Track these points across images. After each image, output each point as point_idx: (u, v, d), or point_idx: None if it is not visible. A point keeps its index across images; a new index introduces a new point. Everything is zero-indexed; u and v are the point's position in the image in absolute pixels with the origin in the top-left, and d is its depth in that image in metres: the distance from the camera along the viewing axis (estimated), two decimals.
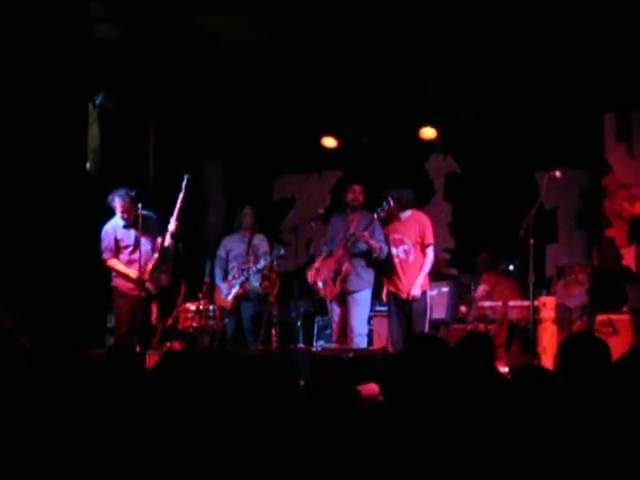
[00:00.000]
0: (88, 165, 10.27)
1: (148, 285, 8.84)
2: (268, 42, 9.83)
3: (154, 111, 11.05)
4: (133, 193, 8.92)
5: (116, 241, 8.99)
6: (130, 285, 8.88)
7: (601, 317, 8.98)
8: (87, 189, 9.93)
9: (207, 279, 9.85)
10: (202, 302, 9.47)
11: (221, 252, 9.91)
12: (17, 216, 9.62)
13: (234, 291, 9.57)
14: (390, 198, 8.75)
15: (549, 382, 3.62)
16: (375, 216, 8.81)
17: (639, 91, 9.85)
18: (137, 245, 8.82)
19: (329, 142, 11.79)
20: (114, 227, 9.02)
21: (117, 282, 8.99)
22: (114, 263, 8.99)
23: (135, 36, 9.65)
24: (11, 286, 9.04)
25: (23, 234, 9.63)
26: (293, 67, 10.29)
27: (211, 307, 9.47)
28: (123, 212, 8.89)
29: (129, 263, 8.94)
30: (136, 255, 8.83)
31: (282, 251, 9.45)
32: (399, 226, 9.04)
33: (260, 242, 9.81)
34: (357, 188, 9.17)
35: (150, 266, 8.86)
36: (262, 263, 9.42)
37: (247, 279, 9.52)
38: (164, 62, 10.16)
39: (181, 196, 8.89)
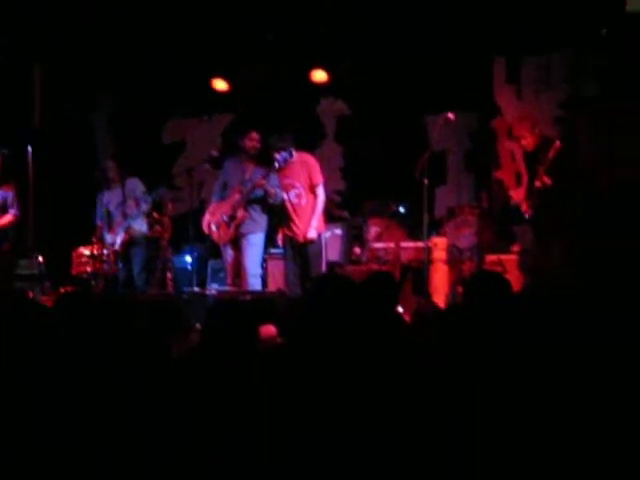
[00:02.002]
0: None
1: None
2: None
3: (40, 50, 10.77)
4: (5, 151, 8.88)
5: None
6: None
7: (491, 257, 9.18)
8: None
9: (99, 223, 9.74)
10: (96, 247, 9.37)
11: (100, 210, 9.84)
12: None
13: (119, 239, 9.50)
14: (291, 151, 8.79)
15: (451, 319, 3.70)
16: (276, 166, 8.82)
17: (528, 34, 10.00)
18: None
19: (220, 85, 11.68)
20: None
21: None
22: None
23: None
24: None
25: None
26: (185, 7, 10.15)
27: (105, 251, 9.38)
28: None
29: None
30: None
31: (161, 191, 9.41)
32: (287, 171, 9.03)
33: (134, 185, 9.71)
34: (255, 135, 9.13)
35: None
36: (144, 206, 9.39)
37: (129, 225, 9.46)
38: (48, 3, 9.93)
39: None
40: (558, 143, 8.22)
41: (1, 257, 9.03)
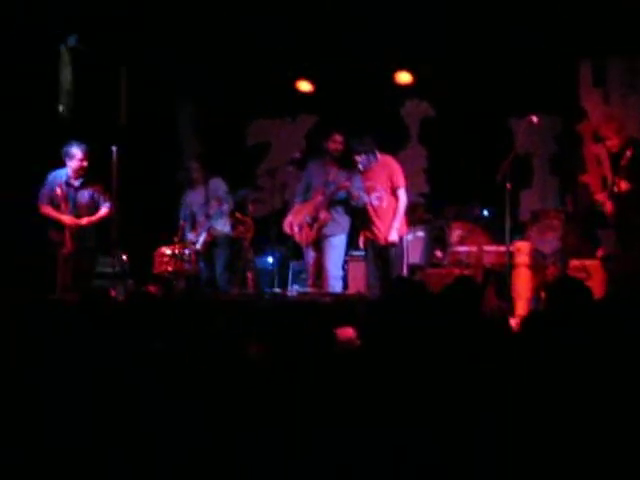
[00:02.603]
0: (60, 108, 10.15)
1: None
2: None
3: (126, 54, 10.91)
4: (87, 148, 9.03)
5: (52, 192, 9.14)
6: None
7: (574, 262, 9.03)
8: (59, 132, 9.82)
9: (182, 223, 9.81)
10: (177, 246, 9.43)
11: (184, 210, 9.91)
12: None
13: (201, 239, 9.54)
14: (376, 152, 8.77)
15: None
16: (360, 168, 8.80)
17: (615, 37, 9.84)
18: (71, 202, 9.10)
19: (304, 86, 11.70)
20: (56, 177, 9.20)
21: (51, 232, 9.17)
22: (44, 209, 9.16)
23: None
24: None
25: None
26: (268, 9, 10.18)
27: (186, 251, 9.43)
28: (81, 160, 9.07)
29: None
30: (67, 211, 9.09)
31: (243, 192, 9.42)
32: (369, 173, 9.00)
33: (216, 185, 9.74)
34: (339, 137, 9.12)
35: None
36: (226, 206, 9.42)
37: (212, 225, 9.49)
38: (135, 3, 10.04)
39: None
40: (630, 151, 8.13)
41: (84, 254, 9.14)
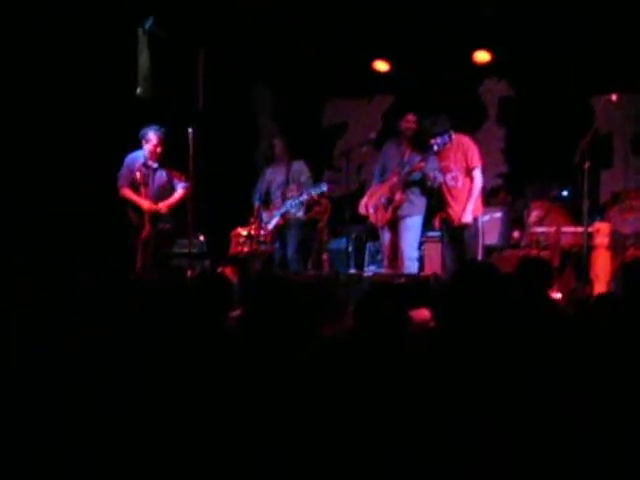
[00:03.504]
0: (139, 90, 10.25)
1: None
2: None
3: (203, 36, 10.97)
4: (164, 131, 9.08)
5: (132, 174, 9.21)
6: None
7: None
8: (138, 116, 9.93)
9: (257, 204, 9.84)
10: (253, 227, 9.47)
11: (262, 185, 9.89)
12: (69, 140, 9.73)
13: (274, 221, 9.53)
14: (450, 133, 8.66)
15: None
16: (434, 149, 8.72)
17: None
18: (150, 183, 9.17)
19: (381, 66, 11.65)
20: (134, 159, 9.28)
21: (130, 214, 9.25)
22: (124, 192, 9.24)
23: None
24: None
25: (76, 157, 9.74)
26: None
27: (262, 232, 9.46)
28: (156, 145, 9.16)
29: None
30: (147, 193, 9.13)
31: (325, 187, 9.35)
32: (444, 153, 8.89)
33: (299, 169, 9.69)
34: (411, 117, 9.06)
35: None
36: (304, 196, 9.39)
37: (287, 211, 9.49)
38: None
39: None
40: None
41: (162, 236, 9.22)
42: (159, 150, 9.17)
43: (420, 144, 8.93)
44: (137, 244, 9.11)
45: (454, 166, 8.88)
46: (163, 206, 9.15)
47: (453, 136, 8.77)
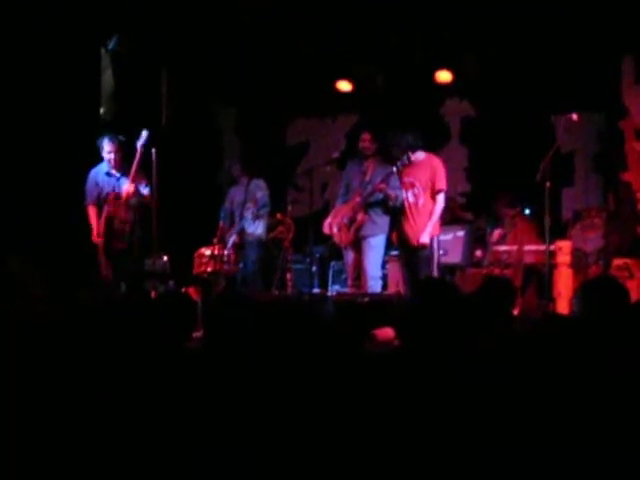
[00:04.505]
0: (102, 110, 10.22)
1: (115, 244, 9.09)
2: None
3: (167, 55, 10.97)
4: (122, 138, 9.07)
5: (98, 188, 9.21)
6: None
7: (617, 261, 8.95)
8: (101, 134, 9.91)
9: (221, 224, 9.85)
10: (217, 247, 9.47)
11: (226, 204, 9.94)
12: (30, 162, 9.69)
13: (231, 240, 9.55)
14: (409, 155, 8.67)
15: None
16: (394, 169, 8.75)
17: None
18: (115, 191, 9.14)
19: (344, 86, 11.70)
20: (96, 172, 9.27)
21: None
22: (89, 211, 9.24)
23: None
24: (25, 238, 9.13)
25: (36, 178, 9.69)
26: (308, 9, 10.18)
27: (225, 252, 9.46)
28: (110, 152, 9.14)
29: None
30: (116, 203, 9.09)
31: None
32: (411, 169, 8.89)
33: (256, 187, 9.74)
34: (367, 136, 9.10)
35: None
36: (263, 210, 9.47)
37: (242, 228, 9.49)
38: (176, 6, 10.09)
39: (137, 155, 8.92)
40: None
41: (127, 254, 9.18)
42: (117, 157, 9.14)
43: (385, 161, 8.95)
44: (99, 261, 9.10)
45: (418, 184, 8.85)
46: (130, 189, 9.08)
47: (423, 154, 8.80)
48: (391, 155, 8.88)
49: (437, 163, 8.99)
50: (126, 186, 9.02)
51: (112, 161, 9.16)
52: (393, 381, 3.50)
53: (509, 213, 10.28)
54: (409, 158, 8.65)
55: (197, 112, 11.89)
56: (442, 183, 8.89)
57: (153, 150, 8.71)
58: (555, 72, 10.52)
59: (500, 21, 10.07)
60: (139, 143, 8.93)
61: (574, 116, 8.34)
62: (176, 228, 10.15)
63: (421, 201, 8.87)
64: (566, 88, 10.34)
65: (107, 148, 9.14)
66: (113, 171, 9.21)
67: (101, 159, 9.26)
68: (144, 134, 8.94)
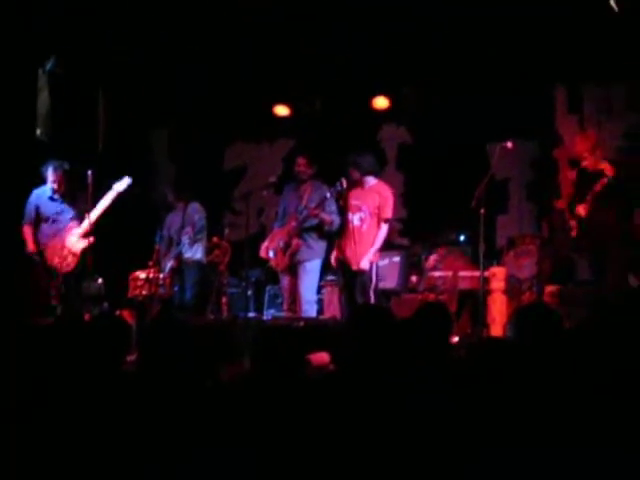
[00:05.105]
0: (38, 131, 10.14)
1: (56, 262, 9.04)
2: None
3: (103, 77, 10.92)
4: (67, 166, 9.04)
5: (37, 210, 9.17)
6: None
7: (550, 288, 9.05)
8: (37, 155, 9.82)
9: (157, 247, 9.77)
10: (152, 270, 9.40)
11: (163, 231, 9.84)
12: None
13: (169, 264, 9.49)
14: (342, 181, 8.69)
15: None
16: (328, 195, 8.77)
17: (590, 64, 9.91)
18: (57, 219, 9.13)
19: (281, 110, 11.73)
20: (38, 195, 9.22)
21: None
22: (25, 229, 9.19)
23: (84, 2, 9.53)
24: None
25: None
26: (245, 34, 10.20)
27: (161, 275, 9.40)
28: (54, 182, 9.11)
29: (50, 236, 9.13)
30: (55, 227, 9.11)
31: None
32: (360, 193, 8.86)
33: (194, 210, 9.65)
34: (302, 160, 9.13)
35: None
36: (200, 234, 9.43)
37: (180, 252, 9.44)
38: (113, 27, 10.05)
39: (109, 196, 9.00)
40: (606, 179, 8.18)
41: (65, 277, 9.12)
42: (62, 187, 9.09)
43: (321, 186, 8.97)
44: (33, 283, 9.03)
45: (366, 207, 8.78)
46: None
47: (372, 180, 8.82)
48: (328, 179, 8.91)
49: (387, 192, 8.92)
50: (85, 225, 9.05)
51: (56, 189, 9.10)
52: (328, 406, 3.50)
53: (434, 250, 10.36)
54: (342, 184, 8.66)
55: (133, 134, 11.83)
56: (389, 212, 8.85)
57: (89, 172, 8.66)
58: (490, 101, 10.63)
59: (438, 50, 10.18)
60: (116, 188, 9.03)
61: (509, 144, 8.43)
62: (111, 251, 10.04)
63: (365, 226, 8.80)
64: (501, 117, 10.46)
65: (51, 178, 9.11)
66: (56, 196, 9.14)
67: (41, 181, 9.19)
68: (125, 181, 8.95)
